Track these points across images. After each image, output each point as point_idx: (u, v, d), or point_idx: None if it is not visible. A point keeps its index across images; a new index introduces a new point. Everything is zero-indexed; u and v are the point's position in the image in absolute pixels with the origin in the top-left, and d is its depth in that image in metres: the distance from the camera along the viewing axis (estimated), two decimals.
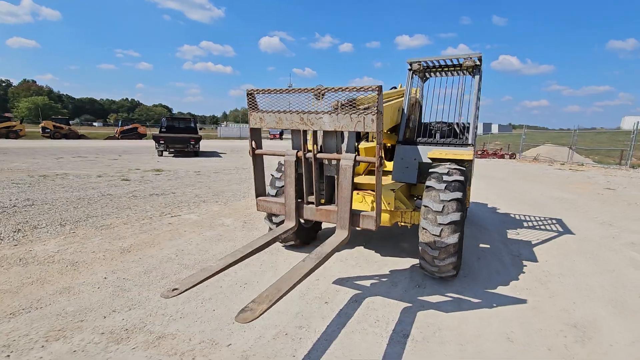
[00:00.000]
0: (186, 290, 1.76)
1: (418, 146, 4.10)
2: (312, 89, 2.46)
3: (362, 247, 4.35)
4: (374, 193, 3.83)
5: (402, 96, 4.52)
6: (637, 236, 5.15)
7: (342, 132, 2.64)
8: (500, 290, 3.31)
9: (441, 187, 3.12)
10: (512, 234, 5.12)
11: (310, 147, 2.67)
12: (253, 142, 2.81)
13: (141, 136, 31.28)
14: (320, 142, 2.80)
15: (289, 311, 2.80)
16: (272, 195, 3.85)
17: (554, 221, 5.96)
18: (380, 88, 2.20)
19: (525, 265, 3.91)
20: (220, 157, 16.37)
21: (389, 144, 4.85)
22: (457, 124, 4.74)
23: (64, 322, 2.55)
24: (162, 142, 14.80)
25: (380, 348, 2.37)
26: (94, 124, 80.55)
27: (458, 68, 4.27)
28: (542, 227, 5.59)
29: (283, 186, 3.81)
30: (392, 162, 4.33)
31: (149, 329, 2.51)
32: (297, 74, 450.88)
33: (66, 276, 3.31)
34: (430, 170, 3.38)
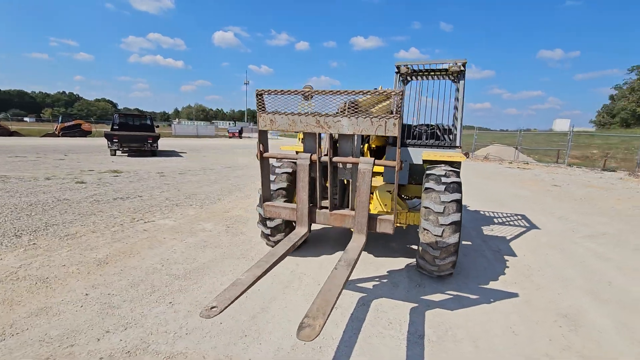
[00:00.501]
0: (226, 308, 1.63)
1: (408, 148, 4.20)
2: (305, 90, 2.40)
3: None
4: (370, 195, 3.85)
5: (387, 98, 4.59)
6: (591, 229, 5.73)
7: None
8: (492, 285, 3.49)
9: (441, 189, 3.21)
10: (487, 231, 5.45)
11: (320, 150, 2.61)
12: (261, 145, 2.67)
13: (86, 133, 28.73)
14: (327, 145, 2.75)
15: (300, 319, 2.71)
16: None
17: (519, 217, 6.44)
18: (402, 92, 2.20)
19: (507, 260, 4.18)
20: (180, 156, 15.54)
21: (373, 145, 4.92)
22: (438, 126, 4.94)
23: (50, 349, 2.25)
24: (116, 140, 13.69)
25: (401, 351, 2.38)
26: (25, 119, 72.51)
27: (444, 73, 4.44)
28: (511, 222, 6.02)
29: (278, 189, 3.69)
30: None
31: (155, 349, 2.29)
32: (253, 71, 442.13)
33: (39, 295, 2.93)
34: (427, 172, 3.46)
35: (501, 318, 2.86)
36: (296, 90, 2.44)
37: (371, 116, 2.30)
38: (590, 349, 2.50)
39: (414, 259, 4.07)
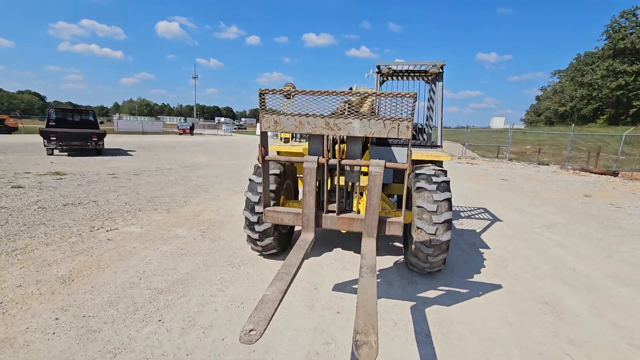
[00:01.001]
0: (265, 329, 1.49)
1: (392, 147, 4.25)
2: (314, 91, 2.32)
3: (340, 249, 4.33)
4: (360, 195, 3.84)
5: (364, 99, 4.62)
6: (545, 219, 6.30)
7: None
8: (477, 278, 3.67)
9: (433, 188, 3.29)
10: (457, 224, 5.74)
11: (328, 153, 2.53)
12: (262, 148, 2.52)
13: (11, 130, 25.41)
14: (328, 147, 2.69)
15: (306, 327, 2.62)
16: (255, 202, 3.53)
17: (481, 210, 6.88)
18: (415, 95, 2.19)
19: (483, 253, 4.43)
20: (130, 155, 14.36)
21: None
22: (414, 126, 5.08)
23: None
24: (54, 138, 12.23)
25: (413, 351, 2.40)
26: None
27: (423, 74, 4.55)
28: (476, 216, 6.40)
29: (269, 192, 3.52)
30: None
31: None
32: (201, 65, 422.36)
33: None
34: (417, 172, 3.52)
35: (493, 310, 3.01)
36: (303, 91, 2.33)
37: (384, 118, 2.27)
38: (575, 334, 2.72)
39: (399, 257, 4.15)
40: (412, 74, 4.64)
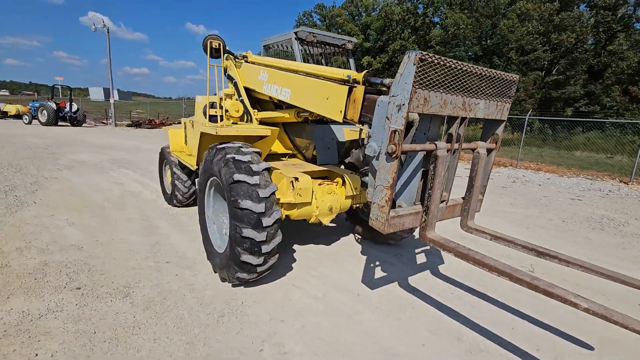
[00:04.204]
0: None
1: (331, 125, 3.99)
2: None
3: (298, 245, 3.77)
4: (335, 182, 3.46)
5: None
6: None
7: None
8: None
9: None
10: None
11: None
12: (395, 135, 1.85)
13: None
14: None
15: (424, 335, 2.36)
16: (261, 213, 2.45)
17: None
18: (517, 79, 2.35)
19: None
20: None
21: (264, 118, 4.14)
22: None
23: None
24: None
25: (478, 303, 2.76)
26: None
27: (338, 47, 4.40)
28: None
29: (271, 194, 2.53)
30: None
31: None
32: None
33: None
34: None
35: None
36: (438, 58, 1.86)
37: (497, 100, 2.28)
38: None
39: (344, 237, 4.12)
40: (327, 46, 4.37)
